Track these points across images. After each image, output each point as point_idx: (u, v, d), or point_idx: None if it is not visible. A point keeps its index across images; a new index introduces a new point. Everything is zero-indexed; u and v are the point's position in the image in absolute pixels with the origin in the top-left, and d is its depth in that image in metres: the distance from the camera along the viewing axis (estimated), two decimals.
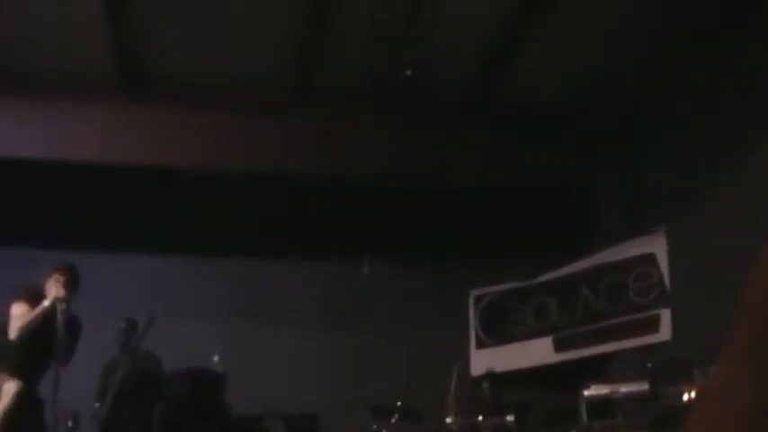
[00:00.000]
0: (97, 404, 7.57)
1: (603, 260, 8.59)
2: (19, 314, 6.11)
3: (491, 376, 8.50)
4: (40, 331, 6.03)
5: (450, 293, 9.62)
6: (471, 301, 9.68)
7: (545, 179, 9.29)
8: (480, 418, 7.60)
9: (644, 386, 6.75)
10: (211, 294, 9.82)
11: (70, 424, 7.40)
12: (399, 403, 7.94)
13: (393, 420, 7.91)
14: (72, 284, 6.29)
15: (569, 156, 9.28)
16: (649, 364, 6.89)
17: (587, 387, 7.46)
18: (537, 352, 9.08)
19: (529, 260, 9.42)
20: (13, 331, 6.03)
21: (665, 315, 7.79)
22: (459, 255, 9.69)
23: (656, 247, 7.97)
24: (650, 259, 8.03)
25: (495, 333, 9.54)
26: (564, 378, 8.63)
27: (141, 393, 7.57)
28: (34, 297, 6.19)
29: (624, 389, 7.06)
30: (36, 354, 6.05)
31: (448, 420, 7.73)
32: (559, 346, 8.99)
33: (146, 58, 8.33)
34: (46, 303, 6.09)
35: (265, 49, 8.14)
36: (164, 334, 7.34)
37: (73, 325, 6.30)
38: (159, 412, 7.77)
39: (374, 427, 7.95)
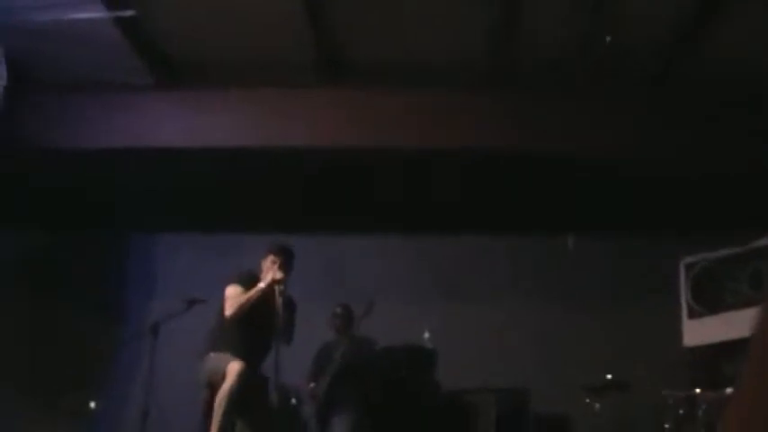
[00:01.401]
0: (312, 384, 7.81)
1: None
2: (233, 294, 6.27)
3: (707, 347, 8.22)
4: (259, 313, 6.20)
5: (658, 263, 9.35)
6: (682, 269, 9.36)
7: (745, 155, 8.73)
8: (698, 390, 7.36)
9: None
10: (420, 272, 9.93)
11: (294, 402, 7.65)
12: (610, 376, 7.80)
13: (606, 394, 7.79)
14: (287, 266, 6.44)
15: None
16: None
17: None
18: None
19: (741, 226, 9.00)
20: (228, 310, 6.20)
21: None
22: (667, 223, 9.34)
23: None
24: None
25: (708, 302, 9.19)
26: None
27: (357, 376, 7.73)
28: (248, 279, 6.36)
29: None
30: (257, 335, 6.24)
31: (663, 393, 7.54)
32: None
33: (343, 42, 8.43)
34: (262, 285, 6.25)
35: (459, 27, 8.07)
36: (375, 312, 7.48)
37: (290, 306, 6.46)
38: (371, 390, 7.92)
39: (587, 400, 7.85)
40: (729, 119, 8.40)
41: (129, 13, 7.57)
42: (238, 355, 6.09)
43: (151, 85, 8.88)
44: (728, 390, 7.23)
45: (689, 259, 9.32)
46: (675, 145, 8.52)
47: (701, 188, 8.93)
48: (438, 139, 8.70)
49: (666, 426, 7.36)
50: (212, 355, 6.26)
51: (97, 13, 7.58)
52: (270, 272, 6.32)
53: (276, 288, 6.24)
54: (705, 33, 7.83)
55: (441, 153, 8.87)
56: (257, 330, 6.26)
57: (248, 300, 6.22)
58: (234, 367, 5.94)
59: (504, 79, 8.66)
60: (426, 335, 8.23)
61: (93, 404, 9.75)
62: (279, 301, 6.22)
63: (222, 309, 6.39)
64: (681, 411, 7.33)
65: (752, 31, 7.72)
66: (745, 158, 8.54)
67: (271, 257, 6.43)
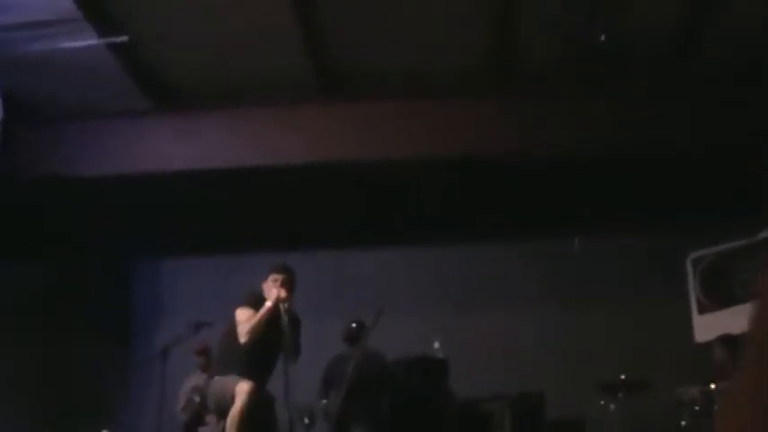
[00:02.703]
0: (324, 401, 7.74)
1: None
2: (244, 318, 6.24)
3: (724, 341, 8.14)
4: (264, 332, 6.17)
5: (666, 259, 9.30)
6: (689, 265, 9.32)
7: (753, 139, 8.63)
8: (713, 386, 7.28)
9: None
10: (428, 283, 9.90)
11: (307, 421, 7.59)
12: (623, 377, 7.73)
13: (620, 394, 7.72)
14: (290, 284, 6.41)
15: None
16: None
17: None
18: None
19: (747, 217, 8.95)
20: (242, 336, 6.17)
21: None
22: (672, 218, 9.26)
23: None
24: None
25: (718, 296, 9.15)
26: None
27: (370, 390, 7.67)
28: (256, 300, 6.34)
29: None
30: (263, 354, 6.20)
31: (679, 390, 7.47)
32: None
33: (338, 57, 8.41)
34: (269, 304, 6.22)
35: (455, 33, 8.05)
36: (383, 325, 7.44)
37: (295, 323, 6.43)
38: (386, 403, 7.86)
39: (601, 402, 7.79)
40: (728, 109, 8.34)
41: (122, 38, 7.56)
42: (246, 375, 6.04)
43: (148, 110, 8.88)
44: None
45: (696, 254, 9.29)
46: (674, 138, 8.47)
47: (704, 181, 8.85)
48: (439, 147, 8.67)
49: (683, 423, 7.28)
50: (217, 378, 6.22)
51: (91, 41, 7.58)
52: (274, 291, 6.28)
53: (281, 306, 6.20)
54: (701, 24, 7.80)
55: (442, 162, 8.83)
56: (263, 349, 6.22)
57: (259, 321, 6.18)
58: (243, 387, 5.91)
59: (502, 84, 8.64)
60: (436, 344, 8.17)
61: None
62: (285, 319, 6.18)
63: (229, 331, 6.36)
64: (696, 407, 7.25)
65: (750, 20, 7.69)
66: (745, 149, 8.48)
67: (272, 276, 6.40)
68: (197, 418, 8.49)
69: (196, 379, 8.69)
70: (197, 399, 8.49)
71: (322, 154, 8.74)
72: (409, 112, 8.71)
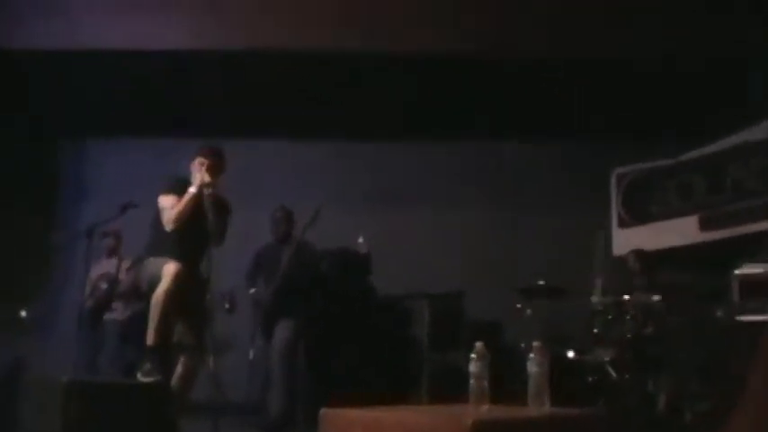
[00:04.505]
0: (253, 289, 7.81)
1: (756, 136, 8.29)
2: (168, 205, 6.16)
3: (637, 255, 8.37)
4: (193, 216, 6.10)
5: (592, 172, 9.46)
6: (613, 179, 9.53)
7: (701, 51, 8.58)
8: (626, 297, 7.50)
9: None
10: (354, 177, 9.88)
11: (227, 306, 7.64)
12: (542, 282, 7.91)
13: (536, 299, 7.91)
14: (217, 167, 6.31)
15: (730, 27, 8.53)
16: None
17: (738, 267, 7.31)
18: (682, 231, 8.93)
19: (673, 138, 9.13)
20: (168, 224, 6.11)
21: None
22: (600, 132, 9.36)
23: None
24: None
25: (638, 212, 9.41)
26: (711, 258, 8.45)
27: (301, 283, 7.76)
28: (180, 186, 6.22)
29: None
30: (192, 237, 6.13)
31: (593, 299, 7.68)
32: (705, 225, 8.81)
33: None
34: (192, 190, 6.13)
35: None
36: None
37: (224, 208, 6.39)
38: (316, 297, 7.96)
39: (518, 305, 7.98)
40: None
41: None
42: (175, 258, 6.01)
43: None
44: (655, 297, 7.39)
45: (620, 169, 9.49)
46: (616, 44, 8.46)
47: (639, 94, 8.89)
48: (375, 41, 8.58)
49: (595, 330, 7.50)
50: (151, 259, 6.19)
51: None
52: (198, 175, 6.23)
53: (205, 191, 6.15)
54: None
55: (378, 57, 8.74)
56: (192, 233, 6.17)
57: (184, 208, 6.11)
58: (170, 269, 5.87)
59: None
60: (360, 239, 8.23)
61: (23, 312, 9.66)
62: (208, 203, 6.12)
63: (158, 215, 6.30)
64: (609, 317, 7.46)
65: None
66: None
67: (199, 159, 6.31)
68: (104, 305, 8.52)
69: (104, 266, 8.66)
70: (104, 286, 8.51)
71: (261, 42, 8.60)
72: (349, 4, 8.61)
